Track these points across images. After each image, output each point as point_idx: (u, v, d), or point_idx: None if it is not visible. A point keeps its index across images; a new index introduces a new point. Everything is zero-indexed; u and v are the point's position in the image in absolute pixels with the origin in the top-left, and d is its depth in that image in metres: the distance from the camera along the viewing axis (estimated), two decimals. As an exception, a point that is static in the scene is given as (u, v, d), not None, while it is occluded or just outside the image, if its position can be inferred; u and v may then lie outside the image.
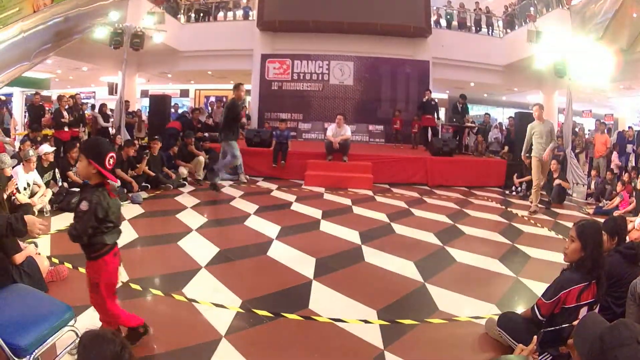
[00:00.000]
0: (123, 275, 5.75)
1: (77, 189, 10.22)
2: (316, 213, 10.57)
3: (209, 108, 27.08)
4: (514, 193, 15.19)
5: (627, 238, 6.33)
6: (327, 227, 9.52)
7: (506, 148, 18.25)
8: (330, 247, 8.07)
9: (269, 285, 6.13)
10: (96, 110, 19.15)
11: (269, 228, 9.10)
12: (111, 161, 3.98)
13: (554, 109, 26.10)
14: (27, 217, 3.71)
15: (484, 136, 19.72)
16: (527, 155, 12.05)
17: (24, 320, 3.49)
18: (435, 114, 19.74)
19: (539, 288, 5.87)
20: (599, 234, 4.29)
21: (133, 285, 5.84)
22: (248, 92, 25.02)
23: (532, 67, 18.12)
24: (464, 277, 6.96)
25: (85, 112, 17.27)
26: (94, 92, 33.03)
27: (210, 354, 4.34)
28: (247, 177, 14.85)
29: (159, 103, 18.48)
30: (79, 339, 2.19)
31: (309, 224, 9.78)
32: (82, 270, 5.88)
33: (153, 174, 12.63)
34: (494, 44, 24.22)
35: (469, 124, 19.85)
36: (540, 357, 3.84)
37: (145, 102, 24.73)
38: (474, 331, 5.09)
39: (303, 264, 7.05)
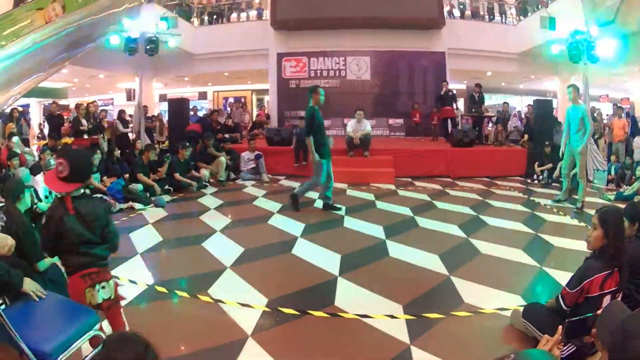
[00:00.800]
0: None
1: (100, 195, 10.35)
2: (342, 210, 10.56)
3: (228, 109, 27.13)
4: (535, 182, 15.11)
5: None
6: (350, 223, 9.56)
7: (526, 136, 18.09)
8: (355, 243, 8.11)
9: (295, 283, 6.17)
10: (114, 116, 19.31)
11: (292, 226, 9.16)
12: (60, 168, 3.76)
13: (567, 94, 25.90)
14: (26, 281, 3.73)
15: (503, 125, 19.60)
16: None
17: (48, 326, 3.53)
18: (454, 104, 19.65)
19: (563, 277, 5.84)
20: (620, 221, 4.27)
21: (159, 288, 5.92)
22: (266, 91, 25.15)
23: (547, 54, 18.01)
24: (488, 268, 6.97)
25: (105, 119, 17.34)
26: (112, 99, 33.23)
27: (237, 354, 4.38)
28: (269, 176, 14.93)
29: (178, 106, 18.51)
30: (102, 342, 2.23)
31: (332, 220, 9.81)
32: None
33: (181, 179, 12.81)
34: (508, 32, 24.08)
35: (488, 114, 19.77)
36: (565, 348, 3.85)
37: (164, 106, 24.80)
38: (500, 323, 5.10)
39: (328, 260, 7.09)
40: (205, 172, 13.87)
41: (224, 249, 7.68)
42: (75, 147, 9.74)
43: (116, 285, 4.13)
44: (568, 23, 17.05)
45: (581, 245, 7.48)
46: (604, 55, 15.31)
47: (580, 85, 13.97)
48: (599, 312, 3.94)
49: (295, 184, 13.77)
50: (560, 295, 4.32)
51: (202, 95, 34.40)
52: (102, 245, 3.92)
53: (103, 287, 3.87)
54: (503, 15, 25.36)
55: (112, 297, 3.92)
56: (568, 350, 3.97)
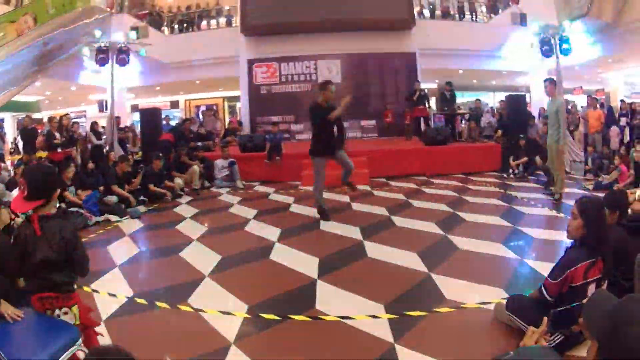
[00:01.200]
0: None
1: (76, 209, 10.25)
2: (315, 213, 10.46)
3: (200, 117, 27.08)
4: (511, 176, 15.17)
5: (630, 211, 6.33)
6: (327, 225, 9.52)
7: (499, 132, 18.24)
8: (332, 246, 8.08)
9: (274, 289, 6.12)
10: (87, 128, 19.19)
11: (269, 232, 9.11)
12: (21, 188, 3.68)
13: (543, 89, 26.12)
14: (1, 303, 3.66)
15: (476, 122, 19.68)
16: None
17: (32, 344, 3.47)
18: (426, 104, 19.68)
19: (545, 268, 5.82)
20: (600, 210, 4.28)
21: (138, 300, 5.83)
22: (237, 98, 25.10)
23: (519, 50, 18.16)
24: (468, 263, 6.96)
25: (77, 131, 17.21)
26: (85, 111, 32.95)
27: (220, 362, 4.31)
28: (244, 182, 14.85)
29: (150, 116, 18.38)
30: (85, 357, 2.16)
31: (308, 224, 9.78)
32: (85, 288, 5.94)
33: (155, 189, 12.69)
34: (479, 30, 24.37)
35: (460, 111, 19.87)
36: (552, 338, 3.83)
37: (136, 116, 24.70)
38: (484, 317, 5.08)
39: (306, 264, 7.04)
40: (179, 182, 13.75)
41: (201, 257, 7.61)
42: (37, 164, 9.58)
43: (85, 311, 4.02)
44: (540, 18, 17.20)
45: (561, 236, 7.57)
46: (577, 48, 15.43)
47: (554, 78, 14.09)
48: (584, 301, 3.94)
49: (270, 189, 13.87)
50: (543, 286, 4.31)
51: (174, 104, 34.19)
52: (67, 269, 3.78)
53: (65, 313, 3.75)
54: (473, 14, 25.53)
55: (77, 323, 3.79)
56: (556, 341, 3.96)
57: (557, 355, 1.85)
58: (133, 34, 17.84)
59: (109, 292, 6.08)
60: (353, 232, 8.82)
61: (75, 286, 3.86)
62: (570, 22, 16.11)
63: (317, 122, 10.07)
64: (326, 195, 11.79)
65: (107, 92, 19.02)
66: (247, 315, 5.30)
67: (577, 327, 3.68)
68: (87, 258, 3.89)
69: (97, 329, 4.19)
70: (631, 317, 1.87)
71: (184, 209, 11.86)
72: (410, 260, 7.08)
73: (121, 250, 8.25)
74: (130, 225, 10.26)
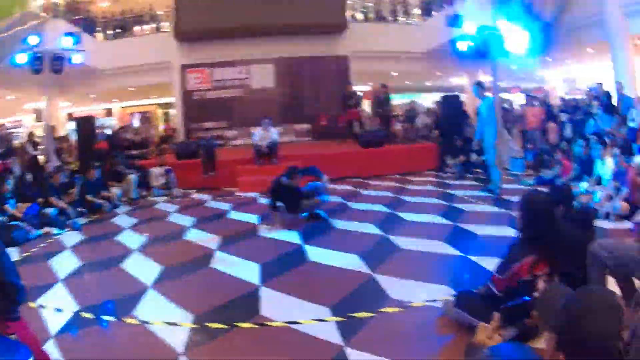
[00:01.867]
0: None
1: (17, 223, 10.03)
2: (253, 219, 10.52)
3: (135, 124, 26.76)
4: (448, 174, 15.34)
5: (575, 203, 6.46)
6: (266, 231, 9.49)
7: (436, 132, 18.38)
8: (273, 251, 8.09)
9: (218, 297, 6.06)
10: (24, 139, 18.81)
11: (209, 239, 9.05)
12: None
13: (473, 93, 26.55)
14: None
15: (411, 123, 19.81)
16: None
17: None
18: (359, 106, 19.73)
19: (489, 264, 5.90)
20: (538, 204, 4.34)
21: (84, 314, 5.71)
22: (171, 104, 24.88)
23: (454, 51, 18.36)
24: (411, 262, 7.01)
25: (14, 141, 16.86)
26: (21, 121, 32.25)
27: (171, 375, 4.25)
28: (181, 190, 14.71)
29: (85, 125, 18.05)
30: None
31: (247, 230, 9.74)
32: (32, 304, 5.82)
33: (93, 200, 12.40)
34: (413, 32, 24.53)
35: (395, 113, 20.01)
36: (505, 333, 3.86)
37: (72, 125, 24.28)
38: (432, 315, 5.11)
39: (248, 271, 7.01)
40: (116, 191, 13.51)
41: (143, 268, 7.51)
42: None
43: (30, 341, 3.83)
44: (475, 19, 17.40)
45: (504, 231, 7.67)
46: (514, 49, 15.66)
47: (488, 79, 14.29)
48: (536, 294, 3.99)
49: (208, 196, 13.82)
50: (490, 282, 4.34)
51: (109, 112, 33.72)
52: None
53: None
54: (407, 16, 25.74)
55: None
56: (510, 335, 3.98)
57: (533, 352, 1.85)
58: (68, 40, 17.51)
59: (55, 307, 5.94)
60: (292, 237, 8.79)
61: (16, 314, 3.69)
62: (509, 22, 16.35)
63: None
64: (263, 200, 11.77)
65: (43, 101, 18.68)
66: (194, 325, 5.24)
67: (530, 321, 3.73)
68: (19, 286, 3.61)
69: (47, 345, 4.06)
70: (586, 308, 1.90)
71: (123, 219, 11.67)
72: (351, 262, 7.09)
73: (64, 264, 8.07)
74: (71, 237, 10.05)
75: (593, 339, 1.87)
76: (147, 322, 5.39)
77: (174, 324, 5.30)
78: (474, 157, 14.78)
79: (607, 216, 8.59)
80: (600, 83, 16.16)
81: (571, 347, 1.91)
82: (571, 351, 1.90)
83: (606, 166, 10.01)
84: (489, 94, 11.98)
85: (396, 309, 5.29)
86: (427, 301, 5.42)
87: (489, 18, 16.98)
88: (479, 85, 11.84)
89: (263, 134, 15.68)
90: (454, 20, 17.93)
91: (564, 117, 17.95)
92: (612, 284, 4.47)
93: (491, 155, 11.71)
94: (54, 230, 10.46)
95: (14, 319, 3.60)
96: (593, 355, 1.88)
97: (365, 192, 13.34)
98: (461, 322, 4.62)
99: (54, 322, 5.45)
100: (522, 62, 21.76)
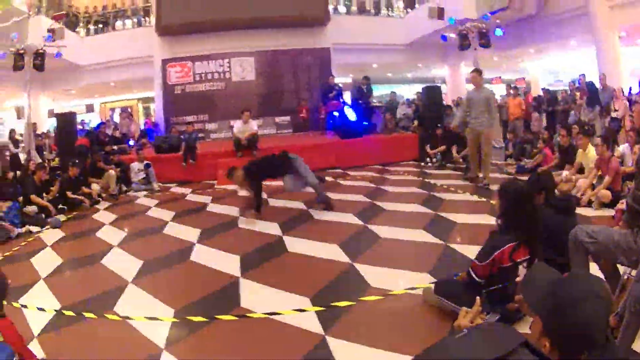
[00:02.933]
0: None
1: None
2: (233, 211, 10.52)
3: (116, 120, 26.63)
4: (429, 164, 15.44)
5: (557, 192, 6.49)
6: (245, 223, 9.46)
7: (416, 122, 18.50)
8: (252, 243, 8.08)
9: (198, 290, 6.06)
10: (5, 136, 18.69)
11: (188, 233, 9.02)
12: None
13: (461, 80, 26.68)
14: None
15: (392, 113, 19.84)
16: (460, 125, 12.09)
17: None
18: (340, 98, 19.73)
19: (469, 251, 5.97)
20: (517, 192, 4.38)
21: (66, 312, 5.68)
22: (152, 99, 24.85)
23: (435, 43, 18.44)
24: (391, 251, 7.03)
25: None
26: (1, 118, 32.03)
27: (154, 370, 4.24)
28: (160, 184, 14.67)
29: (65, 121, 17.93)
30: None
31: (227, 223, 9.73)
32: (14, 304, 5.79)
33: (73, 196, 12.37)
34: (395, 24, 24.77)
35: (376, 104, 20.05)
36: (487, 317, 3.87)
37: (54, 121, 24.18)
38: (413, 302, 5.12)
39: (228, 263, 7.01)
40: (96, 187, 13.45)
41: (123, 264, 7.47)
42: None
43: (14, 340, 3.78)
44: (457, 11, 17.48)
45: (484, 219, 7.74)
46: (496, 41, 15.73)
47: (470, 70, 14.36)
48: (517, 280, 4.02)
49: (187, 190, 13.86)
50: (470, 269, 4.36)
51: (90, 108, 33.51)
52: None
53: None
54: (390, 9, 25.79)
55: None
56: (492, 319, 4.00)
57: (515, 331, 1.85)
58: (49, 36, 17.38)
59: (38, 307, 5.90)
60: (271, 228, 8.79)
61: (1, 312, 3.67)
62: (491, 14, 16.41)
63: None
64: (243, 192, 11.74)
65: (24, 97, 18.57)
66: (175, 319, 5.23)
67: (512, 306, 3.75)
68: None
69: (31, 345, 4.02)
70: (577, 295, 1.90)
71: (103, 215, 11.61)
72: (331, 252, 7.10)
73: (45, 262, 8.00)
74: (52, 235, 9.98)
75: (581, 326, 1.86)
76: (128, 318, 5.36)
77: (155, 319, 5.28)
78: (453, 151, 14.86)
79: (589, 204, 8.68)
80: (583, 74, 16.25)
81: (558, 334, 1.91)
82: (557, 338, 1.91)
83: (587, 155, 10.09)
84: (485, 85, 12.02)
85: (376, 297, 5.30)
86: (408, 289, 5.43)
87: (472, 10, 17.05)
88: (479, 73, 11.73)
89: (243, 127, 15.66)
90: (437, 13, 17.99)
91: (545, 107, 18.11)
92: (594, 269, 4.51)
93: (476, 144, 11.72)
94: (35, 229, 10.40)
95: None
96: (580, 341, 1.88)
97: (345, 182, 13.37)
98: (442, 308, 4.64)
99: (37, 321, 5.43)
100: (504, 53, 21.96)
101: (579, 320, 1.86)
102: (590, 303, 1.87)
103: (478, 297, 2.81)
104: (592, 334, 1.87)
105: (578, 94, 16.54)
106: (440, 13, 18.10)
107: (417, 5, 24.42)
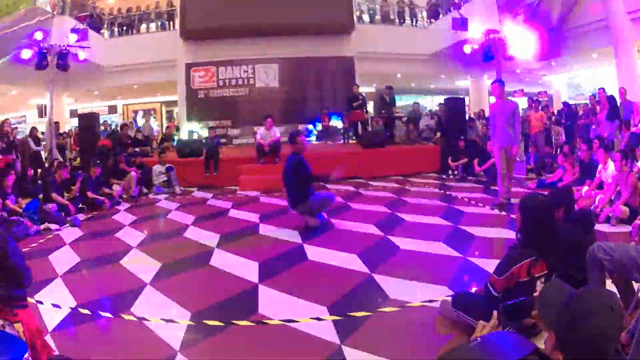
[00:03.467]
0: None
1: (17, 218, 10.02)
2: (254, 217, 10.51)
3: (138, 122, 26.75)
4: (451, 177, 15.39)
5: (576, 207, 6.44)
6: (266, 230, 9.49)
7: (438, 134, 18.46)
8: (272, 250, 8.05)
9: (216, 295, 6.06)
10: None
11: (208, 237, 9.02)
12: None
13: (484, 92, 26.58)
14: None
15: (414, 125, 19.80)
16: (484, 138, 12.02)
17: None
18: (364, 108, 19.73)
19: (488, 265, 5.92)
20: (537, 207, 4.33)
21: (82, 310, 5.68)
22: (175, 102, 24.93)
23: (459, 53, 18.36)
24: (410, 263, 6.98)
25: (17, 137, 16.85)
26: (24, 116, 32.28)
27: (168, 372, 4.24)
28: (182, 188, 14.74)
29: (88, 121, 18.03)
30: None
31: (247, 228, 9.74)
32: (30, 299, 5.82)
33: (94, 196, 12.45)
34: (419, 34, 24.68)
35: (398, 114, 20.01)
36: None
37: (75, 122, 24.29)
38: (430, 314, 5.06)
39: (247, 269, 6.99)
40: (116, 188, 13.52)
41: (142, 265, 7.48)
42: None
43: (34, 332, 3.73)
44: (481, 23, 17.42)
45: (503, 234, 7.67)
46: (519, 53, 15.64)
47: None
48: (535, 294, 3.98)
49: (208, 195, 13.87)
50: (488, 283, 4.32)
51: (112, 109, 33.68)
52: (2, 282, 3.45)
53: (3, 327, 3.58)
54: (414, 19, 25.77)
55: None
56: (507, 334, 3.98)
57: (527, 340, 1.85)
58: (73, 37, 17.47)
59: (53, 303, 5.91)
60: (292, 236, 8.77)
61: (24, 302, 3.65)
62: (514, 26, 16.33)
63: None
64: (264, 199, 11.76)
65: (46, 97, 18.66)
66: (191, 323, 5.22)
67: (529, 320, 3.72)
68: (21, 270, 3.60)
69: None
70: (591, 308, 1.91)
71: (123, 216, 11.66)
72: (350, 261, 7.07)
73: (63, 260, 8.03)
74: (71, 233, 10.02)
75: (592, 340, 1.88)
76: (144, 319, 5.35)
77: (172, 321, 5.28)
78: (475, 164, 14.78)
79: (607, 220, 8.59)
80: (603, 88, 16.10)
81: (570, 347, 1.91)
82: (570, 351, 1.90)
83: (607, 170, 10.00)
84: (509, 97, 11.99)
85: (394, 309, 5.28)
86: (425, 301, 5.40)
87: (495, 22, 16.97)
88: (501, 84, 10.92)
89: (265, 133, 15.66)
90: (460, 24, 17.93)
91: (564, 121, 18.00)
92: (610, 286, 4.46)
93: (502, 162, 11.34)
94: (54, 226, 10.43)
95: (21, 306, 3.57)
96: (591, 354, 1.88)
97: (366, 192, 13.32)
98: (459, 322, 4.61)
99: (52, 318, 5.42)
100: (527, 66, 21.83)
101: (591, 332, 1.89)
102: (601, 316, 1.90)
103: (495, 312, 2.79)
104: (602, 347, 1.89)
105: (598, 107, 16.41)
106: (463, 24, 18.05)
107: (440, 16, 24.36)
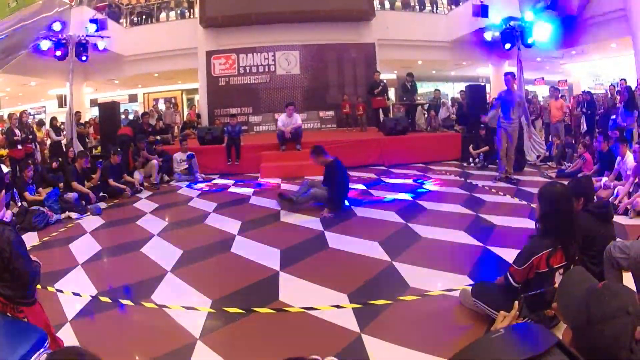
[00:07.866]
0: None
1: (37, 207, 10.06)
2: (275, 204, 10.43)
3: (162, 109, 26.78)
4: (472, 164, 15.27)
5: (595, 197, 6.38)
6: (287, 217, 9.45)
7: (459, 121, 18.34)
8: (293, 237, 8.04)
9: (237, 282, 6.07)
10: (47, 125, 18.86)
11: (229, 224, 9.02)
12: None
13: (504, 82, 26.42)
14: None
15: (435, 112, 19.72)
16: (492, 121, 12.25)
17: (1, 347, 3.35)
18: (385, 94, 19.67)
19: (508, 255, 5.93)
20: (556, 196, 4.29)
21: (102, 298, 5.72)
22: (196, 90, 24.97)
23: (480, 40, 18.24)
24: (431, 251, 6.97)
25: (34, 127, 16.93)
26: (44, 107, 32.40)
27: (188, 358, 4.28)
28: (203, 175, 14.77)
29: (109, 110, 18.10)
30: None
31: (269, 216, 9.72)
32: (50, 288, 5.84)
33: (115, 184, 12.50)
34: (440, 21, 24.50)
35: (420, 101, 19.93)
36: (524, 322, 3.82)
37: (95, 111, 24.34)
38: (449, 304, 5.09)
39: (268, 256, 7.00)
40: (137, 176, 13.57)
41: (163, 253, 7.51)
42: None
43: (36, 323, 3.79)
44: (501, 9, 17.30)
45: (523, 223, 7.63)
46: (539, 40, 15.52)
47: (515, 70, 14.29)
48: (555, 285, 3.96)
49: (230, 182, 13.87)
50: (508, 273, 4.31)
51: (133, 98, 33.64)
52: (9, 282, 3.43)
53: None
54: (434, 5, 25.61)
55: None
56: (529, 324, 3.97)
57: (549, 332, 1.84)
58: (92, 27, 17.50)
59: (73, 292, 5.96)
60: (313, 223, 8.78)
61: (29, 300, 3.65)
62: (534, 14, 16.19)
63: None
64: (285, 186, 11.78)
65: (66, 87, 18.71)
66: (212, 310, 5.24)
67: (550, 312, 3.70)
68: (26, 272, 3.51)
69: (64, 329, 4.04)
70: (609, 312, 1.91)
71: (144, 204, 11.70)
72: (372, 249, 7.06)
73: (83, 248, 8.08)
74: (91, 222, 10.07)
75: (607, 343, 1.88)
76: (165, 306, 5.39)
77: (192, 309, 5.30)
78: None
79: (625, 212, 8.52)
80: (624, 79, 15.92)
81: (585, 347, 1.91)
82: (584, 350, 1.89)
83: (626, 162, 9.91)
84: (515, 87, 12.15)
85: (414, 297, 5.27)
86: (445, 290, 5.40)
87: (515, 9, 16.85)
88: (513, 76, 12.29)
89: (287, 120, 15.67)
90: (480, 11, 17.81)
91: (585, 110, 17.83)
92: (628, 281, 4.42)
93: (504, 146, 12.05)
94: (75, 215, 10.48)
95: (26, 304, 3.58)
96: (605, 356, 1.89)
97: (387, 180, 13.25)
98: (478, 311, 4.60)
99: (72, 306, 5.47)
100: (547, 54, 21.67)
101: (606, 336, 1.89)
102: (619, 321, 1.90)
103: (516, 302, 2.78)
104: (617, 351, 1.89)
105: (618, 97, 16.21)
106: (484, 11, 17.93)
107: (461, 2, 24.18)
